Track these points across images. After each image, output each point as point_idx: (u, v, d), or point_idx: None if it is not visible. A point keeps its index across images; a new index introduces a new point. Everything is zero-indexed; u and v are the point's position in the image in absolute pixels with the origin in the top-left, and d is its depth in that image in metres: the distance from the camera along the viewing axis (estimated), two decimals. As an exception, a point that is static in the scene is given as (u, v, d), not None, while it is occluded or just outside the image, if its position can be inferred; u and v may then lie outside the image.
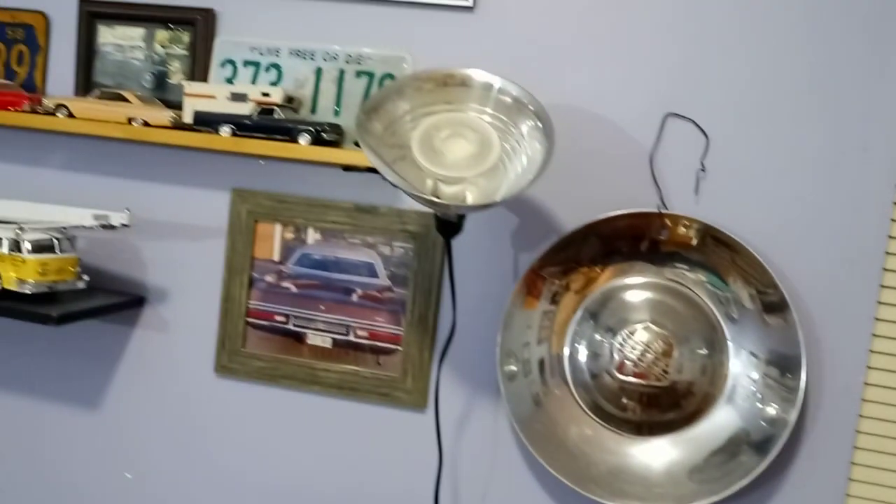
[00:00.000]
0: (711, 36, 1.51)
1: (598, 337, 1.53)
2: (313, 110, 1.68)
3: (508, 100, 1.32)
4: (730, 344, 1.46)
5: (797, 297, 1.47)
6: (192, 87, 1.61)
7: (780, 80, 1.48)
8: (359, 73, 1.66)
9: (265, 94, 1.57)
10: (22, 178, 1.83)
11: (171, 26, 1.73)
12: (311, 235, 1.69)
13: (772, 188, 1.50)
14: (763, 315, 1.41)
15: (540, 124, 1.26)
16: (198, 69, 1.72)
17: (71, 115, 1.64)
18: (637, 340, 1.50)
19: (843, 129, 1.46)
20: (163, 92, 1.75)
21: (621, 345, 1.50)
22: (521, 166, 1.25)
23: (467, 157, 1.25)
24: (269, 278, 1.71)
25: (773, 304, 1.40)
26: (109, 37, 1.77)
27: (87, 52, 1.77)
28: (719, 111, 1.51)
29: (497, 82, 1.33)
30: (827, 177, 1.47)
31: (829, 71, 1.46)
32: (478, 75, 1.34)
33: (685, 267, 1.49)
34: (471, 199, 1.25)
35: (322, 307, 1.69)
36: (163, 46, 1.74)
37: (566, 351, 1.54)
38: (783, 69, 1.48)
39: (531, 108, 1.28)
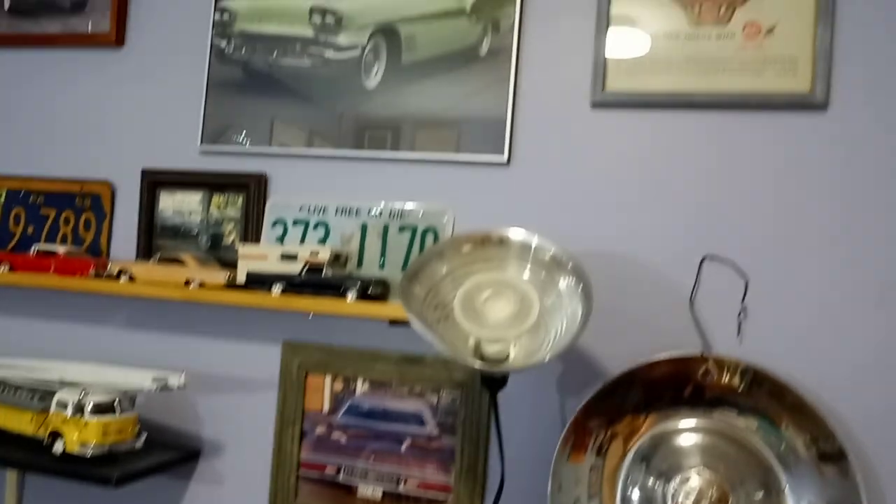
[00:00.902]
0: (745, 177, 1.55)
1: (650, 483, 1.50)
2: (359, 264, 1.75)
3: (546, 257, 1.36)
4: (787, 491, 1.43)
5: (856, 444, 1.44)
6: (245, 248, 1.70)
7: (814, 217, 1.51)
8: (402, 228, 1.74)
9: (314, 254, 1.65)
10: (86, 337, 1.93)
11: (227, 191, 1.85)
12: (360, 386, 1.72)
13: (818, 327, 1.49)
14: (819, 464, 1.38)
15: (578, 282, 1.30)
16: (251, 229, 1.82)
17: (132, 279, 1.74)
18: (691, 487, 1.48)
19: (888, 264, 1.47)
20: (218, 251, 1.84)
21: (675, 492, 1.48)
22: (562, 323, 1.28)
23: (508, 316, 1.28)
24: (320, 430, 1.74)
25: (830, 454, 1.37)
26: (170, 202, 1.89)
27: (148, 217, 1.89)
28: (757, 251, 1.53)
29: (534, 241, 1.38)
30: (877, 313, 1.47)
31: (863, 208, 1.49)
32: (515, 235, 1.40)
33: (733, 412, 1.48)
34: (514, 356, 1.28)
35: (372, 457, 1.70)
36: (218, 209, 1.86)
37: (618, 500, 1.51)
38: (817, 207, 1.51)
39: (569, 265, 1.33)
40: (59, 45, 2.01)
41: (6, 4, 2.05)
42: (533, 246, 1.38)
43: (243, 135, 1.84)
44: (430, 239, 1.71)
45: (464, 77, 1.71)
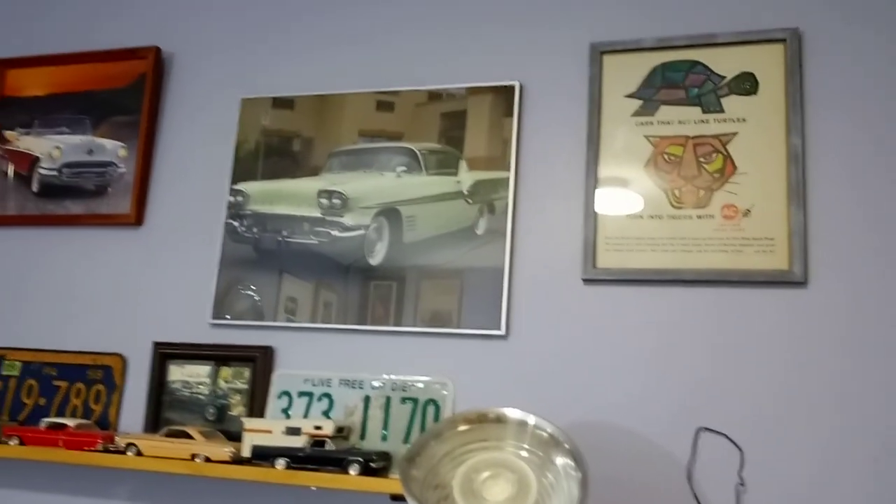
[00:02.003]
0: (734, 349, 1.62)
1: None
2: (362, 436, 1.78)
3: (544, 434, 1.41)
4: None
5: None
6: (250, 423, 1.74)
7: (804, 388, 1.56)
8: (404, 400, 1.78)
9: (317, 427, 1.69)
10: (89, 511, 1.93)
11: (234, 363, 1.91)
12: (362, 562, 1.71)
13: (817, 497, 1.51)
14: None
15: (576, 468, 1.33)
16: (257, 401, 1.87)
17: (140, 453, 1.77)
18: None
19: (882, 433, 1.50)
20: (224, 423, 1.88)
21: None
22: (559, 504, 1.30)
23: (507, 498, 1.31)
24: None
25: None
26: (179, 374, 1.95)
27: (157, 389, 1.95)
28: (750, 422, 1.57)
29: (531, 419, 1.43)
30: (875, 482, 1.49)
31: (852, 378, 1.54)
32: (512, 413, 1.45)
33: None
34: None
35: None
36: (226, 381, 1.91)
37: None
38: (806, 379, 1.56)
39: (566, 446, 1.37)
40: (81, 225, 2.14)
41: (35, 187, 2.19)
42: (530, 424, 1.43)
43: (251, 309, 1.92)
44: (431, 410, 1.76)
45: (462, 253, 1.81)
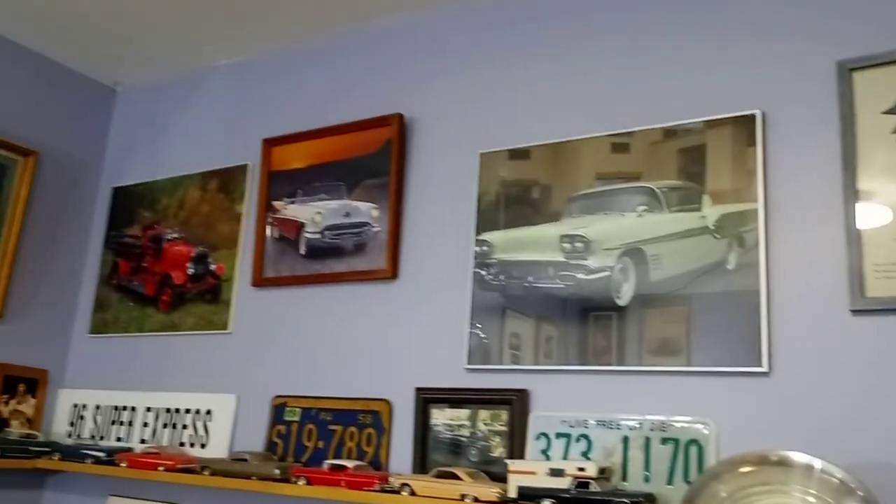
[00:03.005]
0: None
1: None
2: (624, 478, 1.79)
3: (834, 480, 1.35)
4: None
5: None
6: (514, 464, 1.81)
7: None
8: (664, 440, 1.77)
9: (581, 469, 1.73)
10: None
11: (491, 406, 2.00)
12: None
13: None
14: None
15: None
16: (516, 443, 1.94)
17: (413, 493, 1.90)
18: None
19: None
20: (486, 465, 1.97)
21: None
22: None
23: (798, 546, 1.27)
24: None
25: None
26: (441, 418, 2.07)
27: (422, 431, 2.08)
28: None
29: (818, 463, 1.37)
30: None
31: None
32: (797, 457, 1.40)
33: None
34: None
35: None
36: (485, 424, 2.01)
37: None
38: None
39: (860, 493, 1.30)
40: (344, 281, 2.35)
41: (302, 250, 2.45)
42: (816, 469, 1.37)
43: (505, 353, 2.01)
44: (694, 451, 1.73)
45: (712, 290, 1.78)
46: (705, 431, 1.73)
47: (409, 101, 2.40)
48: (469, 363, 2.07)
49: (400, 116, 2.36)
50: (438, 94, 2.36)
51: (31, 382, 2.82)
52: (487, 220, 2.14)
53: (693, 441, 1.74)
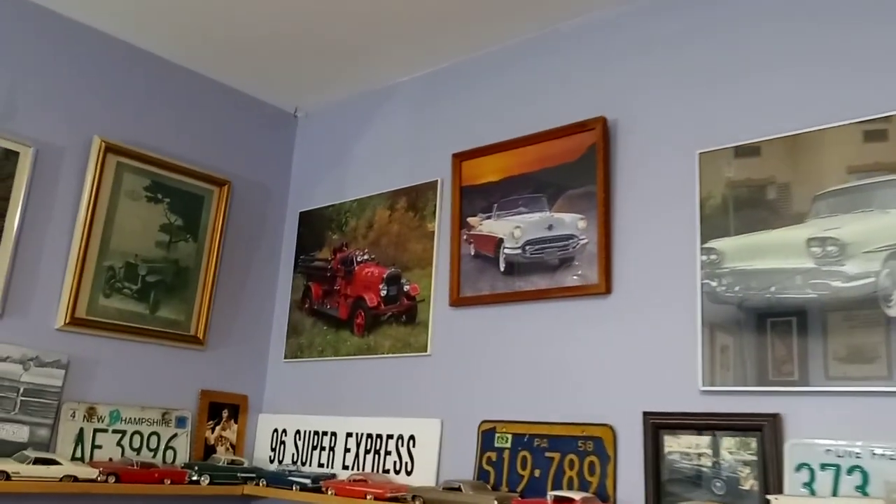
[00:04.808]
0: None
1: None
2: (915, 517, 1.54)
3: None
4: None
5: None
6: (780, 500, 1.60)
7: None
8: (965, 474, 1.51)
9: (865, 508, 1.49)
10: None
11: (736, 433, 1.79)
12: None
13: None
14: None
15: None
16: (770, 474, 1.73)
17: (656, 531, 1.72)
18: None
19: None
20: (736, 498, 1.77)
21: None
22: None
23: None
24: None
25: None
26: (675, 445, 1.88)
27: (654, 460, 1.90)
28: None
29: None
30: None
31: None
32: None
33: None
34: None
35: None
36: (730, 453, 1.80)
37: None
38: None
39: None
40: (550, 298, 2.21)
41: (501, 266, 2.33)
42: None
43: (748, 372, 1.80)
44: None
45: None
46: None
47: (611, 103, 2.24)
48: (705, 384, 1.87)
49: (603, 120, 2.20)
50: (645, 92, 2.18)
51: (233, 408, 2.86)
52: (714, 225, 1.94)
53: None
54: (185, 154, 2.81)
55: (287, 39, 2.64)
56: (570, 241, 2.20)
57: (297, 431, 2.77)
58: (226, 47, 2.72)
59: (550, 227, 2.26)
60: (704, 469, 1.83)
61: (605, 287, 2.10)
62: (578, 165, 2.23)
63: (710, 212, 1.96)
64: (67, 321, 2.44)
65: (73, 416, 2.44)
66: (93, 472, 2.24)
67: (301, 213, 3.05)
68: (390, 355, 2.57)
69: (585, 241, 2.17)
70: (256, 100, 3.09)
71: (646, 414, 1.95)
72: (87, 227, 2.50)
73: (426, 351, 2.47)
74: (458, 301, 2.42)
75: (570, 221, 2.22)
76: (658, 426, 1.93)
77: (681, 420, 1.89)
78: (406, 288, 2.58)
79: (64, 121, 2.52)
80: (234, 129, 3.00)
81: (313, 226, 2.99)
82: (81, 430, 2.45)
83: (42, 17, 2.51)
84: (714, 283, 1.91)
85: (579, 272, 2.16)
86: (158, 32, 2.65)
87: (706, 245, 1.94)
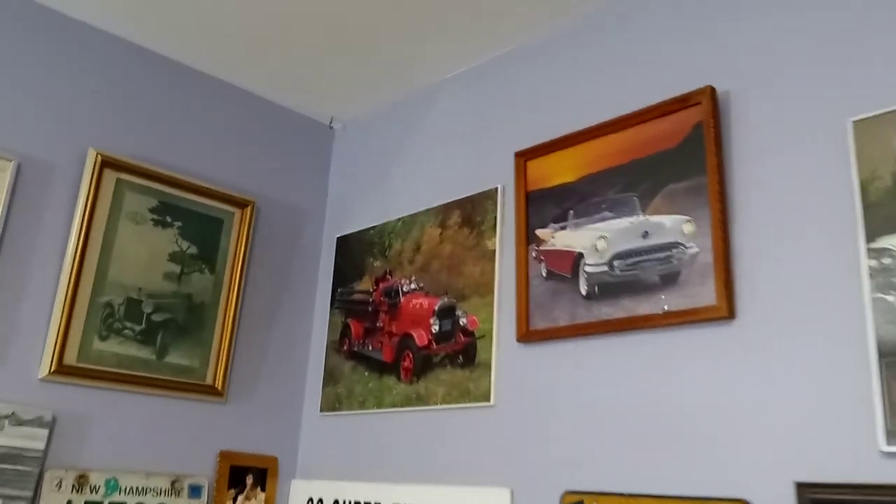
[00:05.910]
0: None
1: None
2: None
3: None
4: None
5: None
6: None
7: None
8: None
9: None
10: None
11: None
12: None
13: None
14: None
15: None
16: None
17: None
18: None
19: None
20: None
21: None
22: None
23: None
24: None
25: None
26: None
27: None
28: None
29: None
30: None
31: None
32: None
33: None
34: None
35: None
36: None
37: None
38: None
39: None
40: (650, 327, 1.68)
41: (583, 289, 1.81)
42: None
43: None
44: None
45: None
46: None
47: (720, 71, 1.72)
48: (890, 443, 1.30)
49: (711, 90, 1.68)
50: (767, 50, 1.66)
51: (259, 473, 2.37)
52: (883, 216, 1.39)
53: None
54: (200, 170, 2.40)
55: (318, 40, 2.22)
56: (674, 250, 1.67)
57: (337, 502, 2.26)
58: (246, 47, 2.32)
59: (646, 235, 1.73)
60: (900, 568, 1.25)
61: (726, 310, 1.56)
62: (680, 152, 1.71)
63: (876, 198, 1.41)
64: (53, 369, 2.01)
65: (59, 487, 1.99)
66: (72, 561, 1.78)
67: (338, 239, 2.59)
68: (444, 406, 2.05)
69: (696, 250, 1.64)
70: (286, 109, 2.67)
71: (799, 486, 1.38)
72: (78, 255, 2.09)
73: (489, 400, 1.95)
74: (527, 335, 1.90)
75: (673, 226, 1.69)
76: (818, 502, 1.35)
77: (854, 495, 1.32)
78: (462, 321, 2.08)
79: (52, 130, 2.13)
80: (258, 141, 2.58)
81: (352, 253, 2.52)
82: (69, 503, 2.00)
83: (27, 9, 2.15)
84: (892, 298, 1.35)
85: (689, 291, 1.62)
86: (166, 29, 2.26)
87: (875, 244, 1.39)
